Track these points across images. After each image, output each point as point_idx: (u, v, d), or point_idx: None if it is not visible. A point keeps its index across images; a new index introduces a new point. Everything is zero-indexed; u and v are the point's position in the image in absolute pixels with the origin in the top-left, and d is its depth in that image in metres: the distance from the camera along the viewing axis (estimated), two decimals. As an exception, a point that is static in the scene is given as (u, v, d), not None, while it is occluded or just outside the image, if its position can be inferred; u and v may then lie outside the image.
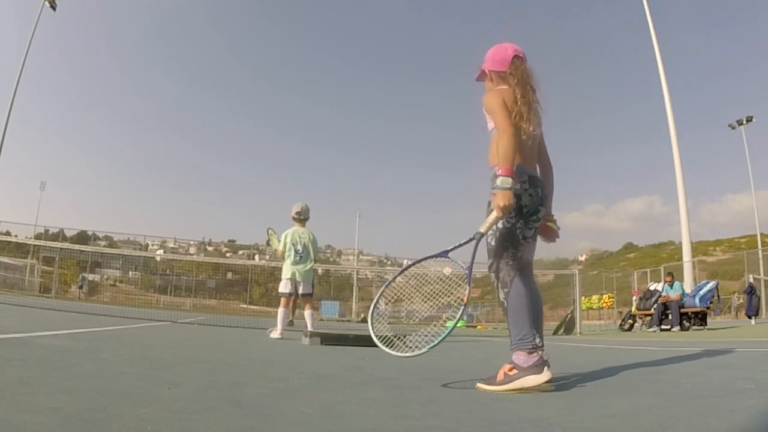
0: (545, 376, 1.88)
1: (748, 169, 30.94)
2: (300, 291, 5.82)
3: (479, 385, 1.97)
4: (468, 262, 2.08)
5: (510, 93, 2.14)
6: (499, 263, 2.07)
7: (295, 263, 5.80)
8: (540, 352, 1.92)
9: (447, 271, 2.13)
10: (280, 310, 5.79)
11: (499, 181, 1.94)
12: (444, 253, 2.12)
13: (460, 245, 2.07)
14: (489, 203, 2.09)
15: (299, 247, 5.78)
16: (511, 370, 1.91)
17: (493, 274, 2.10)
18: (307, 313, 5.88)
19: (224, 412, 1.34)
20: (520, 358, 1.92)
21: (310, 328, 5.35)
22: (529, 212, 2.09)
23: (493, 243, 2.08)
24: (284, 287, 5.81)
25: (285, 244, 5.84)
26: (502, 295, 2.05)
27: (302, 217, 5.92)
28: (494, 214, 1.98)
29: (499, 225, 2.05)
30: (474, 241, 2.04)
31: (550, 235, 2.25)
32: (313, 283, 6.01)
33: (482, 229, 2.03)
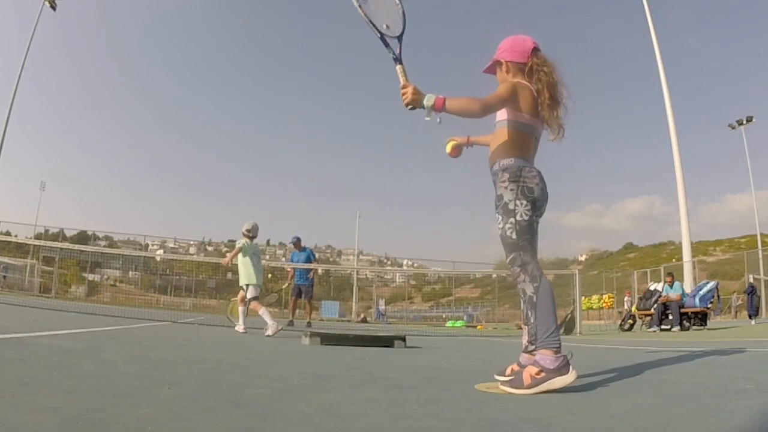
0: (572, 375, 1.85)
1: (748, 169, 31.02)
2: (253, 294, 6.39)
3: (503, 387, 1.90)
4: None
5: (527, 88, 2.15)
6: (524, 256, 2.04)
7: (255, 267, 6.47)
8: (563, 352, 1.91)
9: None
10: (263, 310, 6.16)
11: (431, 99, 1.97)
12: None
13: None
14: (499, 196, 2.11)
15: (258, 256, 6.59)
16: (538, 373, 1.85)
17: (518, 268, 2.04)
18: (242, 309, 6.54)
19: (224, 412, 1.34)
20: (547, 359, 1.86)
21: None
22: (541, 206, 2.13)
23: (514, 236, 2.05)
24: (257, 292, 6.44)
25: (247, 251, 6.48)
26: (530, 290, 2.00)
27: (251, 235, 6.63)
28: (403, 78, 2.08)
29: (518, 218, 2.05)
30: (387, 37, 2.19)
31: (458, 152, 2.63)
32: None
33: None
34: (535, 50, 2.22)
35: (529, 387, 1.84)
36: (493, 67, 2.35)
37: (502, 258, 2.15)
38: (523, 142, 2.15)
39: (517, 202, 2.06)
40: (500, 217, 2.10)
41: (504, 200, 2.08)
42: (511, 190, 2.08)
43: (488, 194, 2.25)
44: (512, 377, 2.00)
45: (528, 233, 2.06)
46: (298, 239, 10.18)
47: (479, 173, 2.35)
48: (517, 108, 2.14)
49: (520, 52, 2.22)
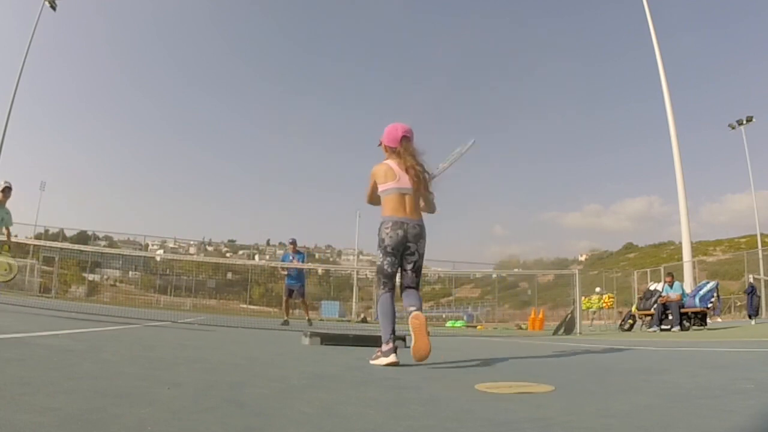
0: (392, 358, 2.74)
1: (748, 169, 30.98)
2: None
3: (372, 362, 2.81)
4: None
5: (383, 165, 3.01)
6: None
7: None
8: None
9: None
10: None
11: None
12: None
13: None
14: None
15: None
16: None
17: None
18: None
19: (224, 412, 1.34)
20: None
21: None
22: (397, 247, 2.94)
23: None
24: None
25: None
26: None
27: None
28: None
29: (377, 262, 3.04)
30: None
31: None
32: None
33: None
34: (404, 137, 2.99)
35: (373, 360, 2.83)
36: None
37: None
38: (386, 203, 2.96)
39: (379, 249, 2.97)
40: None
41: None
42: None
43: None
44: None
45: (380, 272, 2.98)
46: (295, 241, 10.63)
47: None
48: (378, 183, 3.00)
49: (392, 138, 3.02)
